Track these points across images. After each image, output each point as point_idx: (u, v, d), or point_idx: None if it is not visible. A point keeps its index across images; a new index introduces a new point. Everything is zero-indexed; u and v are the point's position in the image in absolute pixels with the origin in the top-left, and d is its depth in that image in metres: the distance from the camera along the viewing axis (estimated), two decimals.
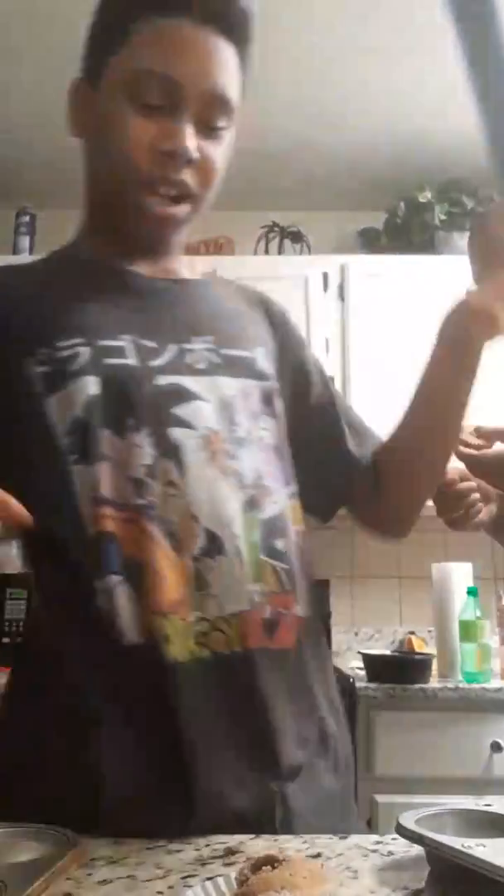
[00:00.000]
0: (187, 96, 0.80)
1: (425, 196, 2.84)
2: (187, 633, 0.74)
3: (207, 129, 0.83)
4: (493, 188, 2.83)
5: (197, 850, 0.66)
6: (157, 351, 0.83)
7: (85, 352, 0.79)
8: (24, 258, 2.54)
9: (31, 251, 2.85)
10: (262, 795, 0.74)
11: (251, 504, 0.81)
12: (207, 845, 0.67)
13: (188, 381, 0.82)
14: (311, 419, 0.98)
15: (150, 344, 0.83)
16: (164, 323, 0.86)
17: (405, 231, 2.90)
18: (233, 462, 0.81)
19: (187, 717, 0.73)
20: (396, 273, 2.70)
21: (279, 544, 0.82)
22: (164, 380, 0.81)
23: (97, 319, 0.82)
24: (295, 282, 2.69)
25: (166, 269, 0.91)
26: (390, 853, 0.64)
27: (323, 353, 2.63)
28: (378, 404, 2.76)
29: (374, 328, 2.65)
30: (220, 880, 0.55)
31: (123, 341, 0.82)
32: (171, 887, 0.57)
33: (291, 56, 2.36)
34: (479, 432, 0.90)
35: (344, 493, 1.01)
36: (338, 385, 2.61)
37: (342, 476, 0.99)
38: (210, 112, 0.83)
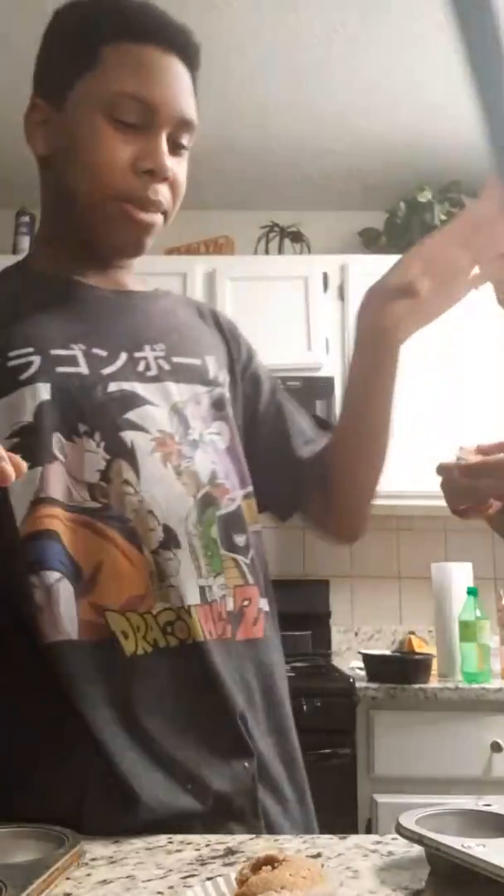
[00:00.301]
0: (162, 119, 0.84)
1: (425, 196, 2.84)
2: (152, 626, 0.77)
3: (175, 149, 0.87)
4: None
5: (197, 850, 0.66)
6: (108, 359, 0.85)
7: (36, 360, 0.82)
8: None
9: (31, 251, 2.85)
10: (238, 775, 0.77)
11: (208, 501, 0.84)
12: (207, 845, 0.68)
13: (139, 388, 0.85)
14: (261, 425, 1.01)
15: (101, 352, 0.85)
16: (115, 332, 0.88)
17: (405, 231, 2.90)
18: (187, 462, 0.84)
19: (146, 708, 0.76)
20: None
21: (239, 539, 0.86)
22: (115, 386, 0.84)
23: (48, 329, 0.85)
24: (295, 282, 2.69)
25: (117, 282, 0.94)
26: (390, 853, 0.64)
27: (323, 353, 2.64)
28: None
29: None
30: (220, 880, 0.55)
31: (74, 350, 0.84)
32: (171, 887, 0.57)
33: (291, 56, 2.36)
34: (479, 449, 0.91)
35: (295, 497, 1.03)
36: (338, 385, 2.62)
37: (291, 480, 1.01)
38: (179, 133, 0.87)
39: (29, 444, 0.78)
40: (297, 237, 2.95)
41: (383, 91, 2.52)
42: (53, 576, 0.76)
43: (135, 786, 0.72)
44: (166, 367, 0.88)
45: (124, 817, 0.71)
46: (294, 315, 2.67)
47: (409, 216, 2.88)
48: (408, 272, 0.86)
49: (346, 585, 2.87)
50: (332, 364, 2.64)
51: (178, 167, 0.88)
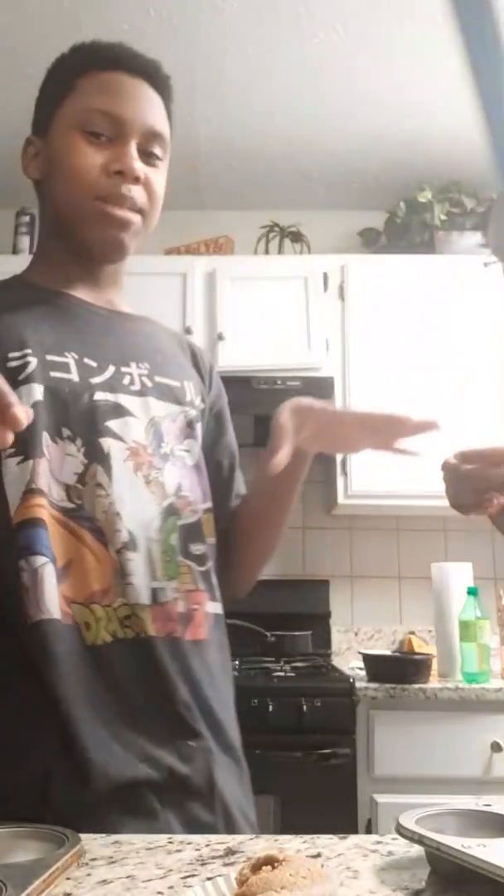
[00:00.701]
0: (130, 129, 0.94)
1: (425, 196, 2.84)
2: (112, 618, 0.85)
3: (147, 158, 0.96)
4: (494, 188, 2.83)
5: (197, 849, 0.67)
6: (98, 370, 0.93)
7: (33, 362, 0.88)
8: (24, 258, 2.54)
9: (31, 251, 2.85)
10: (189, 755, 0.85)
11: (171, 511, 0.92)
12: (207, 845, 0.68)
13: (123, 399, 0.93)
14: (212, 462, 1.07)
15: (92, 363, 0.93)
16: (105, 346, 0.96)
17: (405, 231, 2.90)
18: (156, 474, 0.92)
19: (106, 691, 0.83)
20: (396, 273, 2.70)
21: (197, 549, 0.95)
22: (101, 396, 0.91)
23: (46, 337, 0.91)
24: (295, 282, 2.69)
25: (109, 300, 1.02)
26: (390, 853, 0.65)
27: (323, 353, 2.64)
28: (378, 404, 2.77)
29: (374, 328, 2.65)
30: (220, 880, 0.55)
31: (67, 358, 0.91)
32: (171, 887, 0.57)
33: (291, 56, 2.36)
34: (462, 457, 0.92)
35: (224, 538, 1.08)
36: (338, 385, 2.62)
37: (221, 522, 1.07)
38: (148, 143, 0.96)
39: (24, 438, 0.83)
40: (297, 237, 2.95)
41: (383, 91, 2.52)
42: (40, 560, 0.83)
43: (93, 756, 0.78)
44: (149, 384, 0.96)
45: (83, 786, 0.77)
46: (294, 315, 2.67)
47: (409, 216, 2.88)
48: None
49: (346, 585, 2.87)
50: (332, 364, 2.64)
51: (153, 175, 0.96)
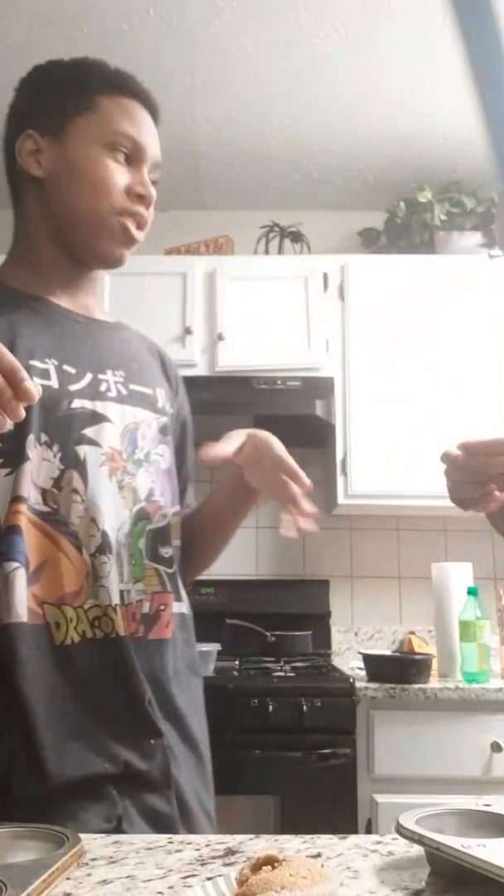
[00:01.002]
0: (146, 156, 1.02)
1: (425, 196, 2.84)
2: (82, 618, 0.89)
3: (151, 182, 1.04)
4: (494, 188, 2.83)
5: (197, 849, 0.67)
6: (76, 377, 0.97)
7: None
8: None
9: None
10: (148, 751, 0.89)
11: (141, 515, 0.97)
12: (207, 845, 0.68)
13: (99, 406, 0.97)
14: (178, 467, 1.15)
15: (71, 370, 0.97)
16: (83, 353, 1.00)
17: (405, 231, 2.90)
18: (129, 479, 0.97)
19: (71, 689, 0.87)
20: (396, 273, 2.70)
21: (164, 552, 1.00)
22: (78, 403, 0.95)
23: (28, 342, 0.94)
24: (295, 282, 2.69)
25: (86, 306, 1.06)
26: (390, 853, 0.65)
27: (323, 353, 2.64)
28: (378, 404, 2.78)
29: (374, 328, 2.65)
30: (220, 880, 0.55)
31: (48, 364, 0.95)
32: (171, 887, 0.57)
33: (291, 56, 2.36)
34: (464, 447, 0.92)
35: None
36: (338, 385, 2.62)
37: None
38: (153, 170, 1.04)
39: (10, 448, 0.88)
40: (297, 237, 2.95)
41: (383, 91, 2.52)
42: (12, 565, 0.87)
43: (50, 753, 0.82)
44: (124, 391, 1.01)
45: (40, 782, 0.81)
46: (294, 315, 2.67)
47: (409, 216, 2.88)
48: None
49: (346, 585, 2.87)
50: (332, 364, 2.64)
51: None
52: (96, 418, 0.96)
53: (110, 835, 0.71)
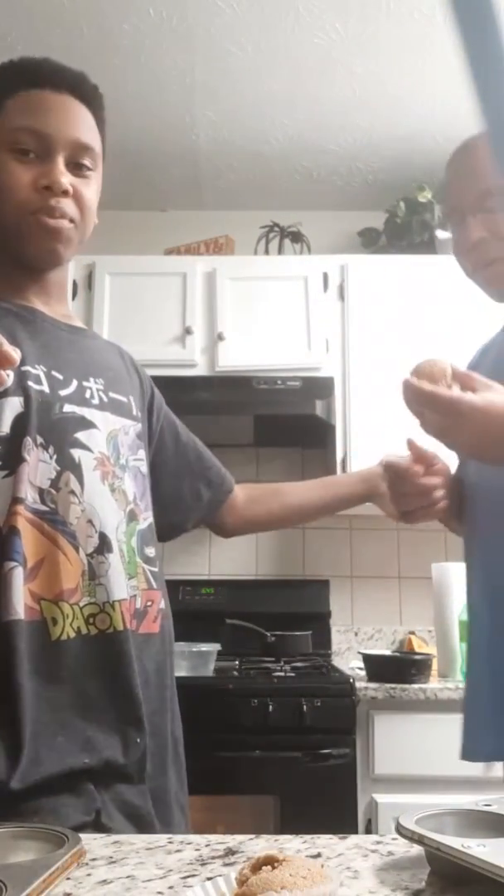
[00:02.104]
0: (56, 144, 0.99)
1: (425, 196, 2.84)
2: (77, 615, 0.91)
3: (77, 170, 1.02)
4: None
5: (197, 849, 0.67)
6: (64, 382, 1.00)
7: (11, 374, 0.92)
8: None
9: None
10: (130, 746, 0.91)
11: (132, 516, 1.01)
12: (207, 845, 0.68)
13: (86, 412, 1.00)
14: (185, 453, 1.24)
15: (59, 376, 1.00)
16: (69, 360, 1.03)
17: (405, 231, 2.90)
18: (119, 482, 1.01)
19: (63, 683, 0.89)
20: (396, 273, 2.70)
21: (149, 551, 1.04)
22: (69, 408, 0.98)
23: (21, 347, 0.93)
24: (295, 282, 2.69)
25: (64, 314, 1.10)
26: (390, 853, 0.64)
27: (323, 353, 2.64)
28: (378, 404, 2.77)
29: (374, 328, 2.65)
30: (220, 880, 0.55)
31: (39, 370, 0.97)
32: (171, 887, 0.57)
33: (291, 56, 2.36)
34: (455, 376, 0.95)
35: (214, 508, 1.27)
36: (338, 385, 2.62)
37: (213, 493, 1.26)
38: (77, 155, 1.01)
39: (8, 451, 0.91)
40: (296, 237, 2.95)
41: (383, 91, 2.52)
42: (10, 565, 0.88)
43: (30, 745, 0.83)
44: (105, 399, 1.04)
45: (21, 774, 0.82)
46: (294, 315, 2.67)
47: (409, 216, 2.88)
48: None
49: (346, 585, 2.87)
50: (332, 364, 2.64)
51: (82, 186, 1.02)
52: (85, 423, 0.99)
53: (110, 835, 0.71)
